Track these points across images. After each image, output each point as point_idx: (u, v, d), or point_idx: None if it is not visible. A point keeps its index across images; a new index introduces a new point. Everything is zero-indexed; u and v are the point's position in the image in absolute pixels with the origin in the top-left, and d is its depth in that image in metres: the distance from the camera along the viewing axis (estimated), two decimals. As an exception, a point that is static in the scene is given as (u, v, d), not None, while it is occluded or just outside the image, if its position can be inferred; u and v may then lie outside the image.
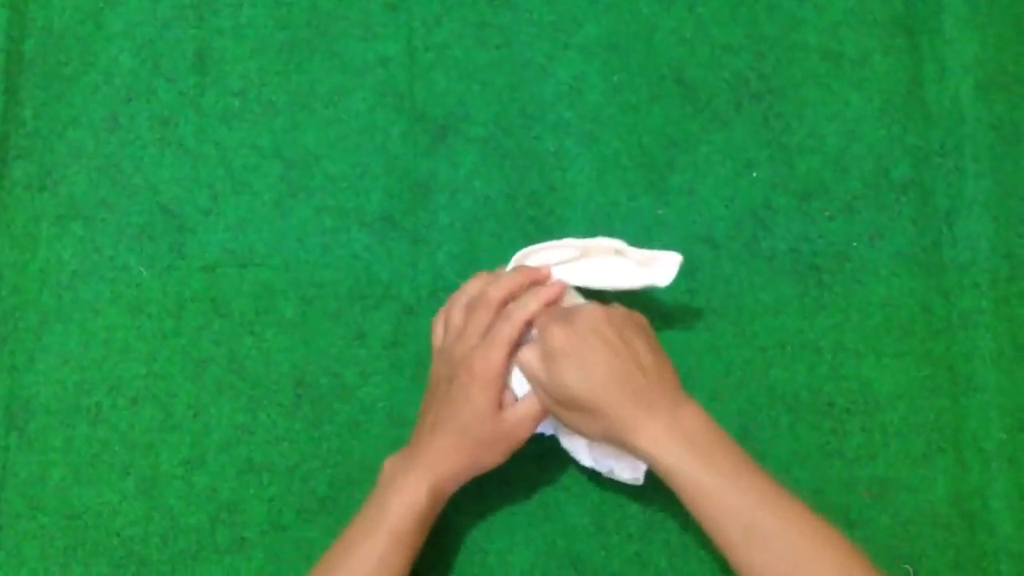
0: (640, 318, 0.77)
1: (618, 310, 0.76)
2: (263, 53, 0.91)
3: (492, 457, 0.77)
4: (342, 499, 0.83)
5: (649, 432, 0.70)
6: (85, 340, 0.87)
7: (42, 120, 0.91)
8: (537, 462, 0.83)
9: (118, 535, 0.83)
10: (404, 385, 0.85)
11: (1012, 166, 0.88)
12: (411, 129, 0.90)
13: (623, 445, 0.72)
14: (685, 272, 0.86)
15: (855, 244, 0.87)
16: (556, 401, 0.74)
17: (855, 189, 0.88)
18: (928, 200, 0.88)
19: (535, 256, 0.81)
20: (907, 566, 0.81)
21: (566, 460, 0.83)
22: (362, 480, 0.83)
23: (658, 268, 0.80)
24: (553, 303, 0.77)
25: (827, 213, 0.88)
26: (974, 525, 0.82)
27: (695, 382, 0.85)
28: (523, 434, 0.77)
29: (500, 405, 0.76)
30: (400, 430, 0.84)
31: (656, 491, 0.82)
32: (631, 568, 0.82)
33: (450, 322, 0.79)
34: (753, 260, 0.87)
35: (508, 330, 0.75)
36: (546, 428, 0.80)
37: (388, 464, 0.76)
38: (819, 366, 0.85)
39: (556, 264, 0.80)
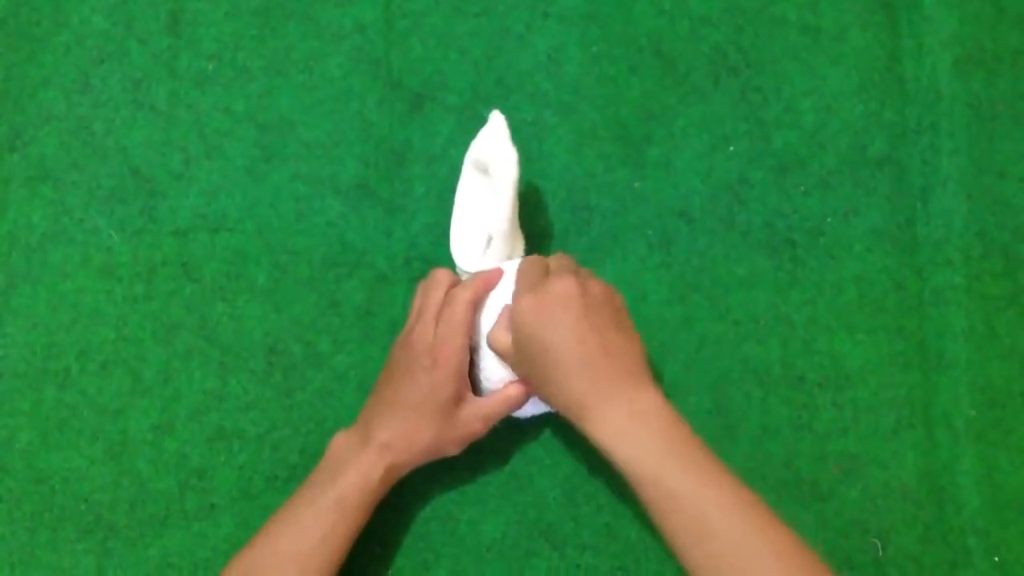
0: (616, 297, 0.75)
1: (596, 285, 0.73)
2: (238, 16, 0.90)
3: (450, 446, 0.77)
4: (313, 467, 0.83)
5: (603, 421, 0.68)
6: (54, 304, 0.86)
7: (12, 81, 0.89)
8: (508, 433, 0.83)
9: (86, 500, 0.83)
10: (377, 354, 0.85)
11: (987, 144, 0.88)
12: (387, 97, 0.89)
13: (579, 429, 0.70)
14: (660, 245, 0.86)
15: (830, 220, 0.87)
16: (521, 374, 0.75)
17: (831, 165, 0.88)
18: (903, 177, 0.88)
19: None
20: (875, 540, 0.82)
21: (538, 431, 0.83)
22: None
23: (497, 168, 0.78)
24: (493, 285, 0.77)
25: (802, 188, 0.88)
26: (943, 500, 0.82)
27: (668, 355, 0.85)
28: (482, 429, 0.77)
29: (462, 396, 0.76)
30: (372, 399, 0.84)
31: (627, 463, 0.83)
32: (601, 539, 0.82)
33: (416, 297, 0.79)
34: (728, 234, 0.87)
35: (458, 317, 0.75)
36: (523, 412, 0.80)
37: (341, 439, 0.75)
38: (792, 341, 0.85)
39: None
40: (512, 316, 0.73)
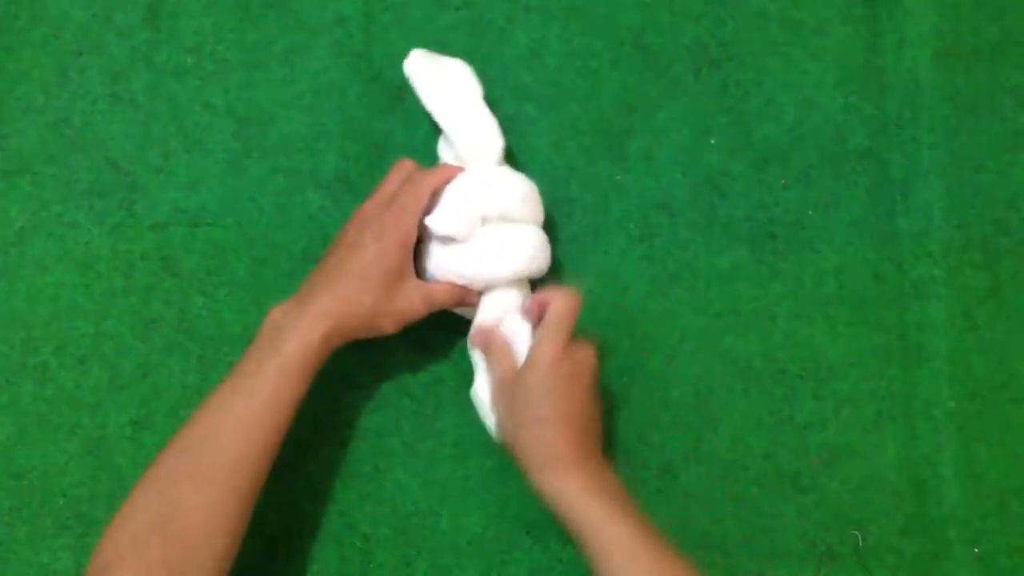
0: (596, 368, 0.77)
1: (594, 356, 0.76)
2: (217, 9, 0.90)
3: (388, 320, 0.77)
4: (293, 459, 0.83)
5: (570, 477, 0.71)
6: (32, 298, 0.85)
7: (-10, 74, 0.89)
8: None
9: (64, 495, 0.82)
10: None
11: (967, 137, 0.88)
12: (368, 90, 0.89)
13: (531, 475, 0.72)
14: (641, 238, 0.86)
15: (810, 212, 0.87)
16: (507, 396, 0.75)
17: (811, 158, 0.88)
18: (883, 170, 0.88)
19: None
20: (856, 532, 0.82)
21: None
22: (315, 441, 0.82)
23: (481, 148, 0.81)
24: (452, 177, 0.79)
25: (783, 181, 0.88)
26: (923, 492, 0.83)
27: (650, 348, 0.85)
28: (423, 310, 0.78)
29: (406, 271, 0.77)
30: (353, 392, 0.84)
31: (608, 456, 0.82)
32: (583, 532, 0.81)
33: (375, 190, 0.81)
34: (709, 227, 0.87)
35: (415, 194, 0.77)
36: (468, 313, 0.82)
37: (278, 310, 0.75)
38: (772, 333, 0.85)
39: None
40: (535, 357, 0.73)
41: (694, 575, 0.68)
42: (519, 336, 0.78)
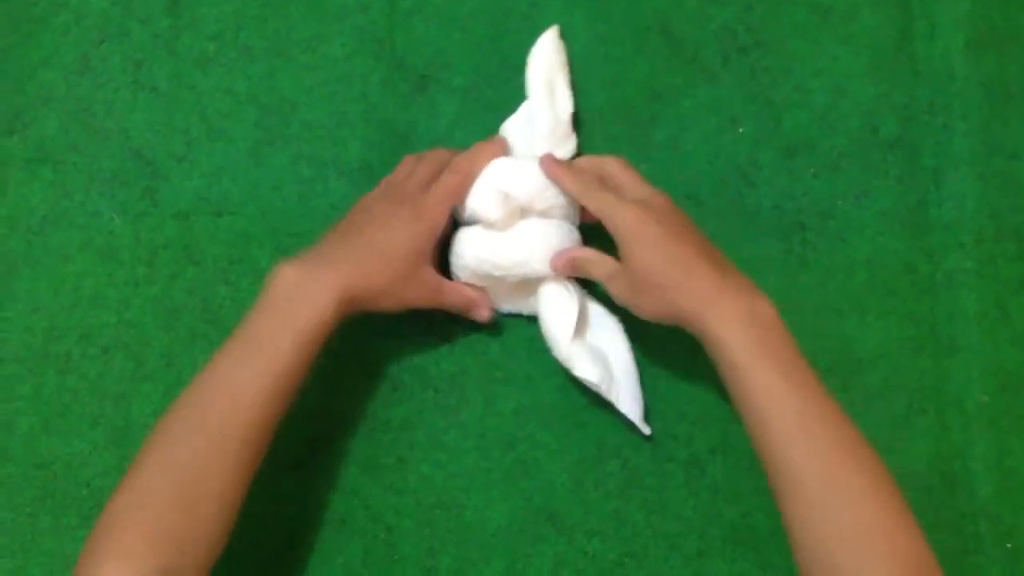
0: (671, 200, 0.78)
1: (663, 197, 0.77)
2: (239, -4, 0.89)
3: (394, 300, 0.77)
4: (317, 451, 0.82)
5: (725, 316, 0.69)
6: (55, 287, 0.85)
7: (11, 62, 0.88)
8: (514, 418, 0.82)
9: (88, 485, 0.82)
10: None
11: (1000, 125, 0.87)
12: (391, 78, 0.88)
13: (690, 325, 0.71)
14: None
15: (840, 202, 0.86)
16: (629, 281, 0.75)
17: (841, 146, 0.87)
18: (915, 159, 0.87)
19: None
20: (885, 526, 0.81)
21: (544, 416, 0.82)
22: (339, 433, 0.82)
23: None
24: (497, 155, 0.80)
25: (812, 170, 0.86)
26: (954, 486, 0.82)
27: (676, 340, 0.83)
28: (428, 302, 0.78)
29: (427, 259, 0.77)
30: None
31: (634, 449, 0.82)
32: (609, 525, 0.81)
33: (403, 164, 0.81)
34: (736, 217, 0.86)
35: (454, 180, 0.78)
36: (513, 307, 0.83)
37: (290, 271, 0.73)
38: (802, 325, 0.83)
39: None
40: (622, 225, 0.74)
41: (839, 418, 0.67)
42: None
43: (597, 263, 0.78)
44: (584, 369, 0.78)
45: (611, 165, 0.80)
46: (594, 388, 0.78)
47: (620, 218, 0.74)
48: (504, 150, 0.81)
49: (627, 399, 0.79)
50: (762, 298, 0.70)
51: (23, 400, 0.83)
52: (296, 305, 0.72)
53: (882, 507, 0.64)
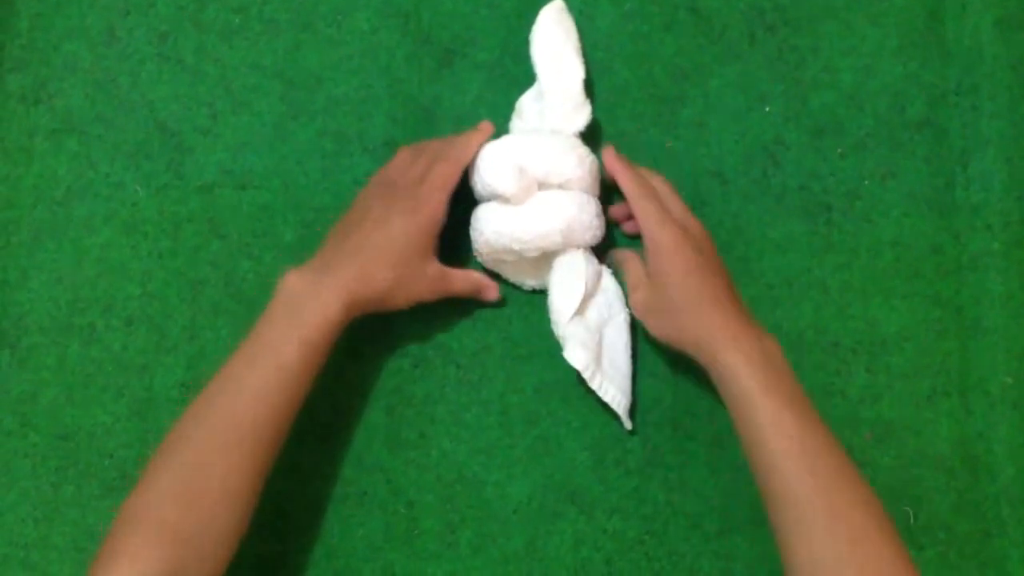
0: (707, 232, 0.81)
1: (700, 226, 0.80)
2: (265, -32, 0.89)
3: (403, 297, 0.77)
4: (339, 426, 0.83)
5: (736, 349, 0.71)
6: (79, 258, 0.85)
7: (38, 32, 0.88)
8: (536, 395, 0.82)
9: (111, 456, 0.82)
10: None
11: (1030, 107, 0.86)
12: (416, 52, 0.88)
13: (701, 352, 0.73)
14: (692, 206, 0.84)
15: (867, 182, 0.85)
16: (650, 296, 0.77)
17: (869, 126, 0.86)
18: (943, 140, 0.86)
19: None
20: (907, 508, 0.80)
21: (566, 393, 0.82)
22: (361, 408, 0.82)
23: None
24: (487, 138, 0.81)
25: (839, 150, 0.86)
26: (977, 469, 0.81)
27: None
28: (439, 291, 0.79)
29: (430, 251, 0.78)
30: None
31: (656, 427, 0.82)
32: (629, 503, 0.81)
33: (398, 157, 0.81)
34: (762, 196, 0.85)
35: (446, 168, 0.78)
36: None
37: (295, 278, 0.74)
38: (826, 305, 0.84)
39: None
40: (663, 243, 0.76)
41: (838, 449, 0.69)
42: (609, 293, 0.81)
43: (632, 266, 0.79)
44: (572, 352, 0.77)
45: (659, 183, 0.81)
46: (581, 373, 0.78)
47: (662, 234, 0.76)
48: (491, 134, 0.81)
49: (612, 389, 0.79)
50: (770, 337, 0.73)
51: (47, 371, 0.84)
52: (302, 314, 0.72)
53: (872, 517, 0.66)
